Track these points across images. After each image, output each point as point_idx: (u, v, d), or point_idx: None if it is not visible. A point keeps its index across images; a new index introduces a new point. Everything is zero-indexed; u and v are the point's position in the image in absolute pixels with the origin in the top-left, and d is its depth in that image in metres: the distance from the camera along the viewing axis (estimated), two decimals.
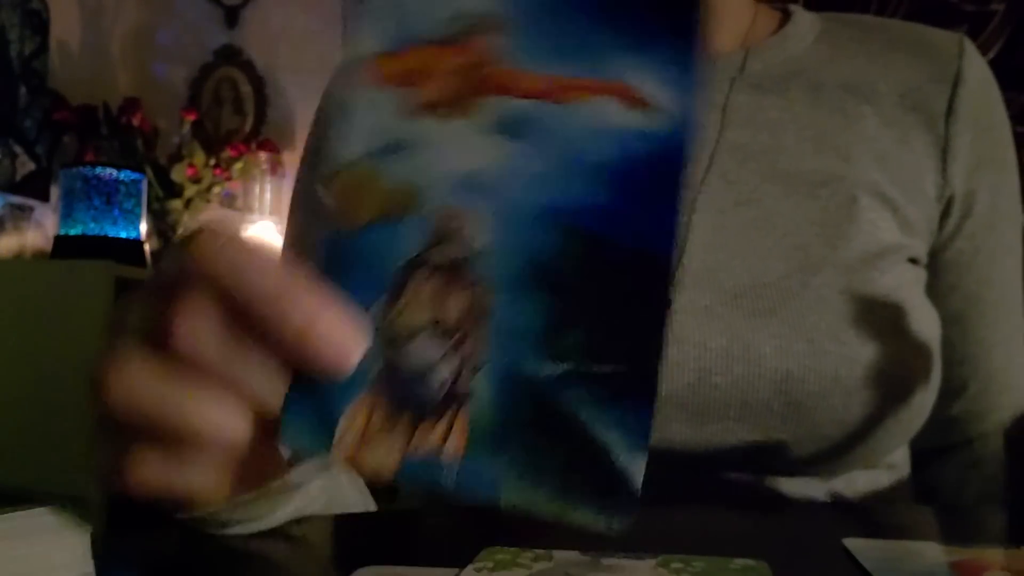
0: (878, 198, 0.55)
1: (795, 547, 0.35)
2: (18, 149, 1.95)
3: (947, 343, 0.58)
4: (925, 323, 0.53)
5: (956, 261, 0.59)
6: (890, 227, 0.55)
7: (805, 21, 0.63)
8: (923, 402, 0.52)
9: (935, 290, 0.59)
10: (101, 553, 0.26)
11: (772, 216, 0.54)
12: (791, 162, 0.56)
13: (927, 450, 0.61)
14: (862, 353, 0.48)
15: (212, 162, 2.08)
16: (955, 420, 0.61)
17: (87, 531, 0.26)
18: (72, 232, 1.61)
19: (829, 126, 0.57)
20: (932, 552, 0.31)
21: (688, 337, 0.49)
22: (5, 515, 0.24)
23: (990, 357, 0.61)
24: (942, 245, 0.59)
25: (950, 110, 0.58)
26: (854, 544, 0.32)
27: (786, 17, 0.64)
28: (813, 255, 0.52)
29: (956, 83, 0.58)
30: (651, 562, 0.29)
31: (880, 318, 0.50)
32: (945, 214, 0.58)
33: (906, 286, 0.54)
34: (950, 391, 0.59)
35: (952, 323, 0.59)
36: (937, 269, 0.59)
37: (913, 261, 0.57)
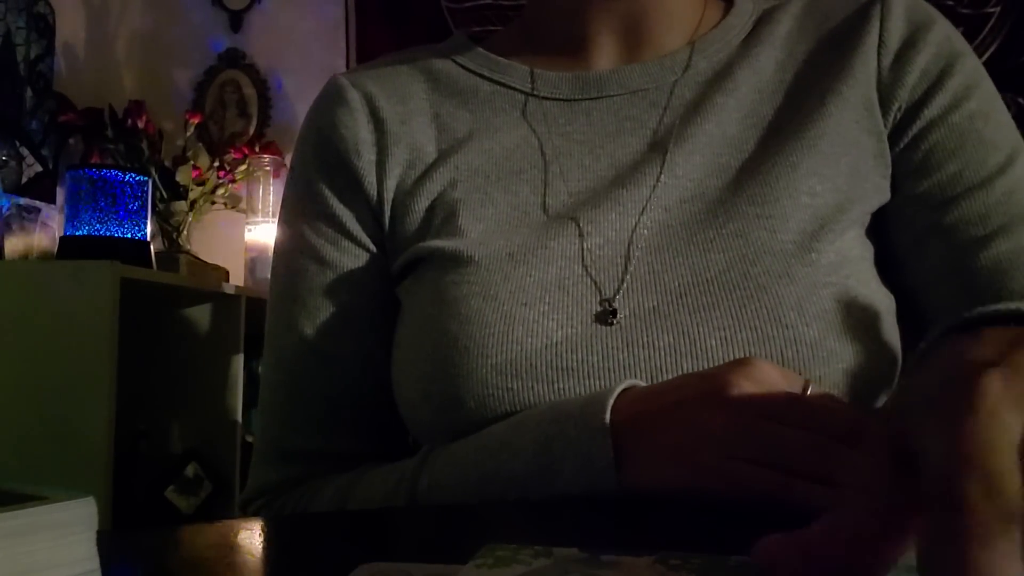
0: (819, 157, 0.56)
1: None
2: (24, 151, 1.96)
3: (961, 247, 0.56)
4: (872, 297, 0.54)
5: (925, 136, 0.58)
6: (833, 186, 0.56)
7: (746, 11, 0.65)
8: (876, 374, 0.52)
9: (920, 188, 0.57)
10: (106, 550, 0.26)
11: (714, 207, 0.55)
12: (734, 151, 0.58)
13: None
14: (806, 333, 0.49)
15: (216, 164, 2.08)
16: None
17: (93, 528, 0.26)
18: (78, 233, 1.61)
19: (769, 107, 0.59)
20: None
21: (637, 339, 0.50)
22: (10, 513, 0.24)
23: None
24: (905, 134, 0.58)
25: (881, 43, 0.59)
26: None
27: (729, 5, 0.66)
28: (752, 242, 0.53)
29: (883, 19, 0.59)
30: (649, 559, 0.29)
31: (821, 297, 0.51)
32: (899, 121, 0.58)
33: (850, 262, 0.54)
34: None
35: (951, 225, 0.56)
36: (910, 156, 0.58)
37: (871, 214, 0.57)
